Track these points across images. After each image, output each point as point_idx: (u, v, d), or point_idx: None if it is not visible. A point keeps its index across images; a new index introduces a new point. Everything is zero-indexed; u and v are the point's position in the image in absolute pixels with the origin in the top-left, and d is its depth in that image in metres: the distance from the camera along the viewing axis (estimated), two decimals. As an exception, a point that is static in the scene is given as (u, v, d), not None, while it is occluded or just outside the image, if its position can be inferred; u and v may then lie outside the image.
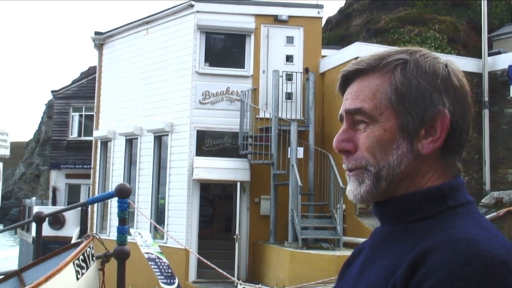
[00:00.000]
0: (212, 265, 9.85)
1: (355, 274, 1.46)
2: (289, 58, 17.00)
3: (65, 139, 32.78)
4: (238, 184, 15.91)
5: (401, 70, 1.36)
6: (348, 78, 1.45)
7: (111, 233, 17.33)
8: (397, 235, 1.36)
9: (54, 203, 31.73)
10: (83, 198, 30.32)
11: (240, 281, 13.07)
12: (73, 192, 32.67)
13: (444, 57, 1.44)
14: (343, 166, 1.44)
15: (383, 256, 1.35)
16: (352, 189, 1.41)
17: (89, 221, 20.51)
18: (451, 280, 1.13)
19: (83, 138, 31.75)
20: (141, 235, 8.16)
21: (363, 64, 1.40)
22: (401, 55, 1.39)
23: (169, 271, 7.83)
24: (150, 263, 7.73)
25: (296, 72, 16.50)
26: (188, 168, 16.15)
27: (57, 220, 24.55)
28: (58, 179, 32.80)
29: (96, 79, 20.97)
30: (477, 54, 18.35)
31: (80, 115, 32.69)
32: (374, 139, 1.36)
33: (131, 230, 8.40)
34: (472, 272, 1.12)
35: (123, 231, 6.90)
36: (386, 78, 1.37)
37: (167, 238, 15.80)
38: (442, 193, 1.34)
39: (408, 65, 1.36)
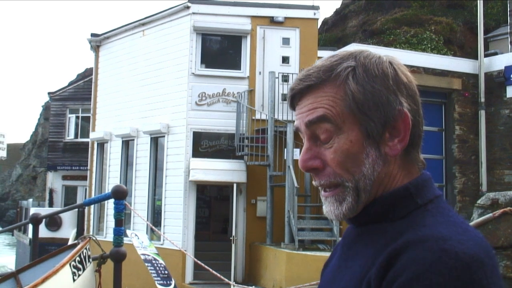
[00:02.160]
0: (206, 266, 9.84)
1: (330, 275, 1.46)
2: (285, 60, 17.01)
3: (61, 140, 32.77)
4: (235, 185, 15.91)
5: (352, 78, 1.34)
6: (297, 93, 1.42)
7: (108, 235, 17.34)
8: (369, 235, 1.36)
9: (51, 204, 31.76)
10: (79, 200, 30.31)
11: (234, 282, 13.07)
12: (69, 194, 32.68)
13: (383, 52, 1.45)
14: (314, 183, 1.41)
15: (356, 257, 1.36)
16: (332, 210, 1.38)
17: (85, 222, 20.48)
18: (421, 276, 1.13)
19: (79, 139, 31.76)
20: (137, 236, 8.15)
21: (313, 79, 1.37)
22: (347, 62, 1.37)
23: (166, 272, 7.83)
24: (146, 264, 7.72)
25: (292, 74, 16.49)
26: (184, 169, 16.15)
27: (53, 222, 24.55)
28: (54, 181, 32.81)
29: (93, 81, 20.97)
30: (473, 55, 18.38)
31: (77, 117, 32.71)
32: (343, 153, 1.34)
33: (128, 231, 8.39)
34: (444, 268, 1.13)
35: (119, 233, 6.90)
36: (341, 89, 1.35)
37: (163, 240, 15.78)
38: (409, 192, 1.34)
39: (357, 71, 1.35)
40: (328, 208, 1.39)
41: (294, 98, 1.42)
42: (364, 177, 1.33)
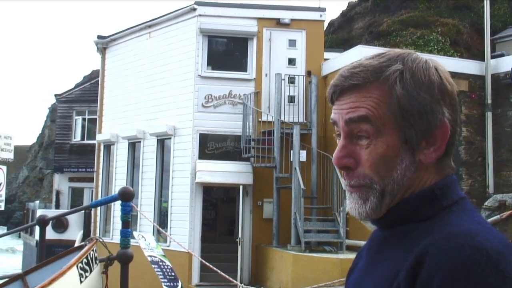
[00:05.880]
0: (214, 268, 9.85)
1: (357, 280, 1.47)
2: (291, 61, 17.00)
3: (68, 142, 32.85)
4: (241, 187, 15.90)
5: (399, 83, 1.34)
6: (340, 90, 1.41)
7: (114, 236, 17.35)
8: (396, 238, 1.36)
9: (57, 206, 31.83)
10: (86, 202, 30.36)
11: (243, 284, 13.06)
12: (76, 196, 32.74)
13: (427, 56, 1.44)
14: (342, 181, 1.43)
15: (383, 260, 1.36)
16: (356, 207, 1.39)
17: (92, 224, 20.51)
18: (456, 274, 1.15)
19: (86, 141, 31.82)
20: (144, 238, 8.17)
21: (360, 78, 1.37)
22: (396, 65, 1.36)
23: (172, 274, 7.84)
24: (153, 266, 7.73)
25: (299, 75, 16.50)
26: (191, 171, 16.16)
27: (60, 224, 24.57)
28: (61, 183, 32.87)
29: (99, 83, 21.00)
30: (480, 56, 18.34)
31: (83, 119, 32.80)
32: (378, 156, 1.34)
33: (135, 233, 8.41)
34: (475, 265, 1.15)
35: (126, 234, 6.92)
36: (387, 92, 1.34)
37: (170, 241, 15.79)
38: (434, 194, 1.34)
39: (405, 76, 1.34)
40: (352, 204, 1.40)
41: (335, 93, 1.42)
42: (393, 182, 1.34)
